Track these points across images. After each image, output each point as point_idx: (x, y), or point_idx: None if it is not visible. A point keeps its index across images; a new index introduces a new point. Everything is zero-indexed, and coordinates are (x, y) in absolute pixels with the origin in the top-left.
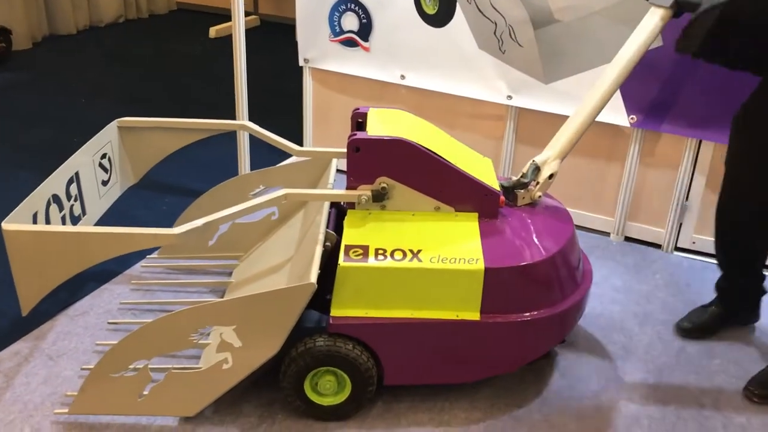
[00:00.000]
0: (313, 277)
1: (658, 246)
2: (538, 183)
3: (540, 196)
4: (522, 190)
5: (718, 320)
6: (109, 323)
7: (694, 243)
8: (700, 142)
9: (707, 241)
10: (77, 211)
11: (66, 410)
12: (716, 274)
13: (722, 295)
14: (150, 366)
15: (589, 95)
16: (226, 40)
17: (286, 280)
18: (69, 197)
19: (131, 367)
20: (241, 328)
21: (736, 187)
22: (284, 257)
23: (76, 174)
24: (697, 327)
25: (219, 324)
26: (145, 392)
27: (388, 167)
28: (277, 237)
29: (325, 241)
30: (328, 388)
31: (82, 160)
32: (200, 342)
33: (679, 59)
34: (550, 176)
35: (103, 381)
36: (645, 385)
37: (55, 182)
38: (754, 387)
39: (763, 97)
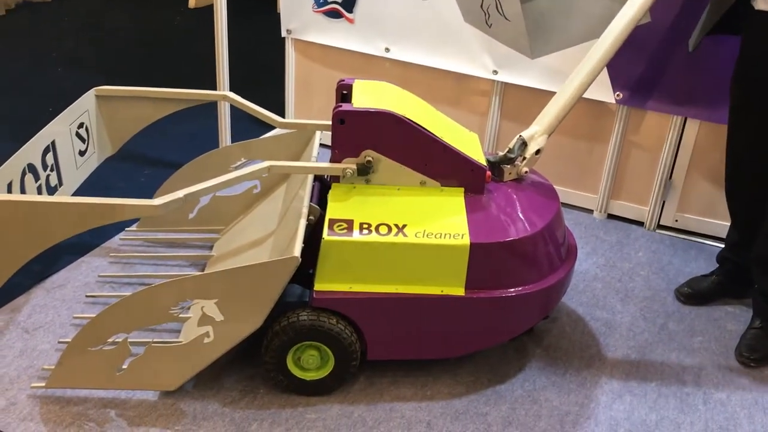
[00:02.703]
0: (297, 251)
1: (640, 224)
2: (524, 158)
3: (526, 172)
4: (508, 166)
5: (716, 289)
6: (87, 296)
7: (676, 221)
8: (685, 120)
9: (690, 219)
10: (54, 181)
11: (43, 384)
12: (699, 251)
13: (723, 265)
14: (129, 339)
15: (576, 71)
16: (205, 11)
17: (269, 255)
18: (45, 167)
19: (110, 340)
20: (223, 301)
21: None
22: (266, 231)
23: (53, 143)
24: (696, 293)
25: (200, 297)
26: (124, 366)
27: (374, 140)
28: (259, 211)
29: (308, 215)
30: (310, 363)
31: (59, 129)
32: (181, 316)
33: (666, 36)
34: (537, 152)
35: (81, 354)
36: (627, 362)
37: (30, 151)
38: (748, 353)
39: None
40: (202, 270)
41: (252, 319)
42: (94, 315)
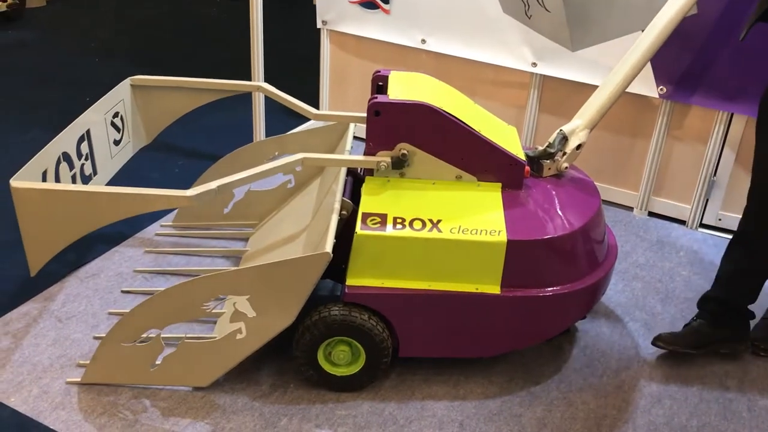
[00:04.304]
0: (329, 247)
1: (682, 222)
2: (565, 153)
3: (566, 168)
4: (548, 161)
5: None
6: (122, 291)
7: (720, 220)
8: (732, 115)
9: (734, 218)
10: (88, 170)
11: (78, 379)
12: None
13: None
14: (162, 335)
15: (620, 63)
16: (241, 2)
17: (302, 250)
18: (80, 156)
19: (144, 336)
20: (255, 297)
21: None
22: (300, 226)
23: (87, 132)
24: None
25: (232, 293)
26: (158, 362)
27: (409, 133)
28: (293, 205)
29: (341, 210)
30: (341, 358)
31: (94, 118)
32: (214, 311)
33: (713, 29)
34: (578, 147)
35: (115, 350)
36: (667, 365)
37: (65, 140)
38: (759, 342)
39: None
40: (237, 264)
41: (284, 316)
42: (127, 309)
